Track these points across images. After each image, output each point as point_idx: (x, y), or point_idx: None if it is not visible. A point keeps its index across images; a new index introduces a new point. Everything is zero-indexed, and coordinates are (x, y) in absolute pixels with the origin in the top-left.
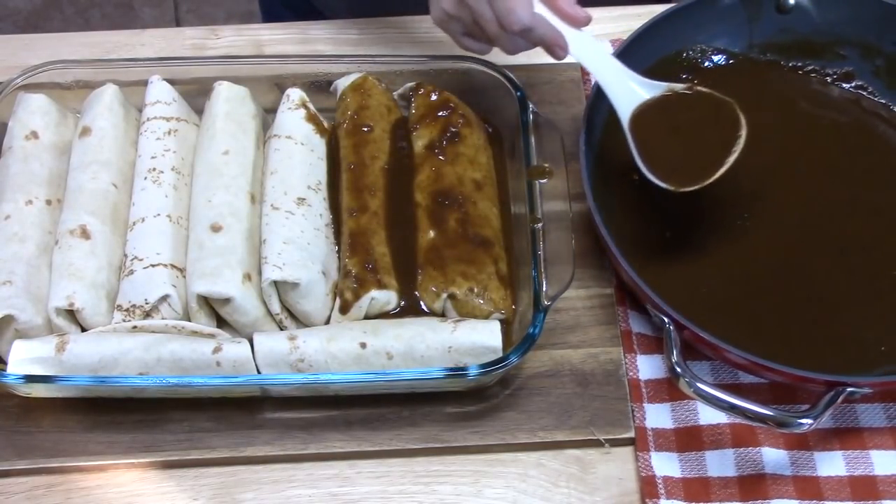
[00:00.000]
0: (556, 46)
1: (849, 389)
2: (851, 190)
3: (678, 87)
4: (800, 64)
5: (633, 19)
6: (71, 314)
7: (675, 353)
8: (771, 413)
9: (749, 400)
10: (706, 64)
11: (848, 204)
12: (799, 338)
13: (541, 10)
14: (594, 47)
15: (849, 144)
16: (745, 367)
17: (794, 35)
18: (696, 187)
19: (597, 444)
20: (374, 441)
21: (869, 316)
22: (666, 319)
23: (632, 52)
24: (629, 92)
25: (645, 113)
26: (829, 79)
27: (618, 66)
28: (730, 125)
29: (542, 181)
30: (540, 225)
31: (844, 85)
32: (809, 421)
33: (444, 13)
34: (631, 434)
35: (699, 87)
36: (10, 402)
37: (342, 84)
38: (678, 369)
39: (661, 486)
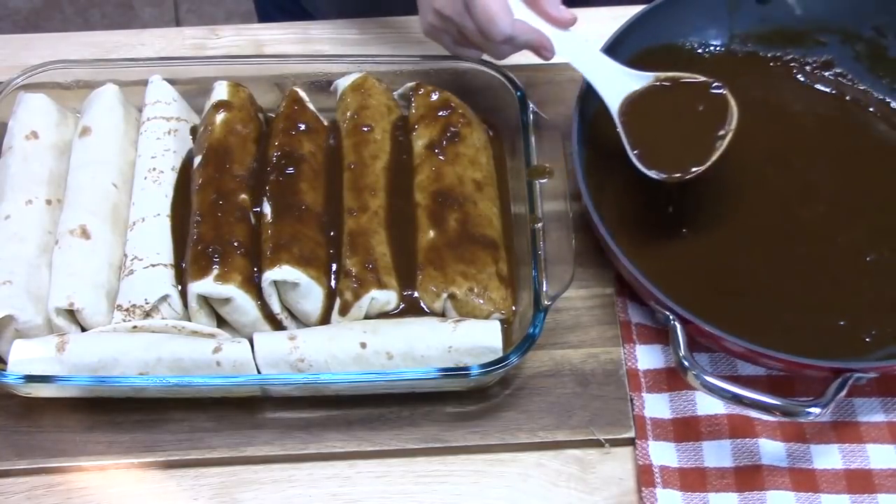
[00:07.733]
0: (542, 49)
1: (856, 375)
2: (841, 177)
3: (665, 75)
4: (779, 53)
5: None
6: (71, 314)
7: (682, 347)
8: (780, 403)
9: (756, 391)
10: (690, 57)
11: (840, 191)
12: (804, 328)
13: (525, 13)
14: (581, 45)
15: (835, 132)
16: (752, 358)
17: (774, 24)
18: (688, 176)
19: (597, 444)
20: (374, 441)
21: (861, 302)
22: (670, 315)
23: (616, 49)
24: (618, 84)
25: (634, 104)
26: (808, 67)
27: (605, 60)
28: (719, 112)
29: (542, 181)
30: (540, 225)
31: (825, 73)
32: (818, 409)
33: (430, 25)
34: (631, 434)
35: (685, 75)
36: (11, 401)
37: (342, 84)
38: (686, 363)
39: (657, 474)
